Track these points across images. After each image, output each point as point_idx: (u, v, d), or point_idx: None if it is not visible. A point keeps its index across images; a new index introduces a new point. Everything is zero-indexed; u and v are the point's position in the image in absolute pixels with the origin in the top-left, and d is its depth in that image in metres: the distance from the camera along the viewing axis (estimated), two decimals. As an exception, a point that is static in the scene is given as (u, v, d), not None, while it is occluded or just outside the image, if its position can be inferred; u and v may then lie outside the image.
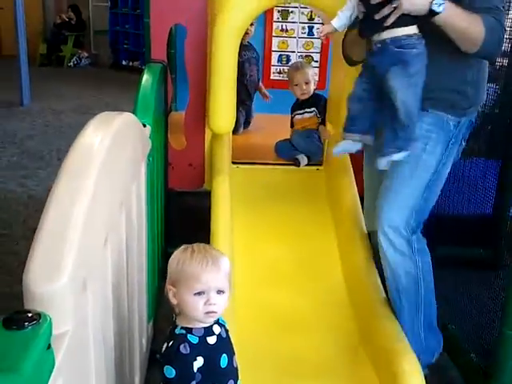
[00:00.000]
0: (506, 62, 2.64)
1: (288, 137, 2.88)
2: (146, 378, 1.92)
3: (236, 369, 1.36)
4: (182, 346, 1.25)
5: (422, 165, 1.82)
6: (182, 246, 1.32)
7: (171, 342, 1.27)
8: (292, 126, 2.93)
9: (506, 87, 2.68)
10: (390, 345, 1.78)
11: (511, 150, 2.58)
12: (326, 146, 2.75)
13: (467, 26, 1.65)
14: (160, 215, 2.38)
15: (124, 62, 9.79)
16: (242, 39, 3.21)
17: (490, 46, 1.70)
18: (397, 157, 1.75)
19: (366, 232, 2.24)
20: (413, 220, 1.83)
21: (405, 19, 1.64)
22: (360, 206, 2.36)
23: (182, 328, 1.29)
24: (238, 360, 1.41)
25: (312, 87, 2.79)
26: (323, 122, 2.80)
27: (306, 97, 2.79)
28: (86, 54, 10.37)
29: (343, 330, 2.00)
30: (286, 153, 2.83)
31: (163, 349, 1.28)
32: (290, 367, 1.81)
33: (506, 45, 2.65)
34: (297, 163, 2.76)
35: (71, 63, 10.16)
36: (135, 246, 1.62)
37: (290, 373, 1.79)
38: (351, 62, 2.00)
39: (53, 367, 0.77)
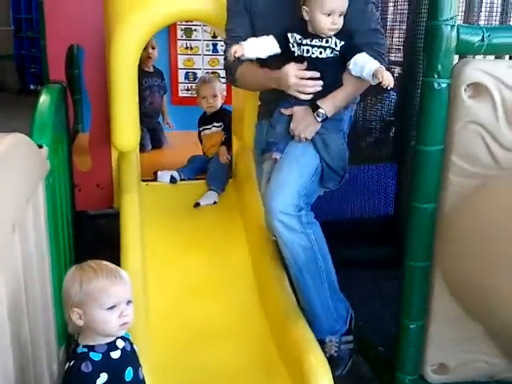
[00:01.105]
0: (399, 70, 2.81)
1: (199, 153, 2.92)
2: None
3: (142, 380, 1.37)
4: (83, 365, 1.25)
5: (310, 153, 1.96)
6: (74, 267, 1.31)
7: (72, 362, 1.26)
8: (201, 141, 2.96)
9: (400, 95, 2.85)
10: (299, 342, 1.84)
11: (405, 153, 2.74)
12: (234, 158, 2.80)
13: (354, 94, 1.98)
14: (67, 238, 2.33)
15: (32, 87, 9.45)
16: (145, 65, 3.26)
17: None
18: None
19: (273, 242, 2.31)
20: (301, 202, 1.92)
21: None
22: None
23: (83, 346, 1.28)
24: (151, 372, 1.43)
25: (219, 101, 2.84)
26: (227, 141, 2.81)
27: (212, 110, 2.84)
28: (-10, 80, 9.93)
29: (256, 334, 2.05)
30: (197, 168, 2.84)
31: (65, 368, 1.28)
32: (206, 376, 1.83)
33: (398, 55, 2.84)
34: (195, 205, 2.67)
35: (-25, 90, 9.69)
36: (35, 269, 1.58)
37: (203, 382, 1.80)
38: (237, 86, 2.15)
39: None
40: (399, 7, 2.75)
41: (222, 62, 3.72)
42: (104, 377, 1.26)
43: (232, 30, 2.03)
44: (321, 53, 1.85)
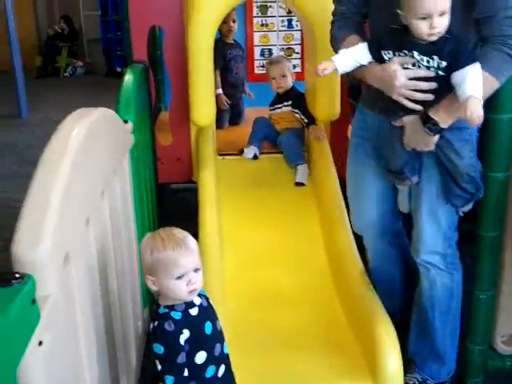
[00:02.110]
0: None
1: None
2: (145, 359, 2.06)
3: (220, 332, 1.46)
4: (166, 324, 1.34)
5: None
6: (148, 235, 1.39)
7: (156, 322, 1.36)
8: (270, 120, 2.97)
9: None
10: (370, 316, 1.86)
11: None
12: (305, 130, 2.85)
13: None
14: (151, 207, 2.52)
15: (118, 69, 9.89)
16: (227, 37, 3.35)
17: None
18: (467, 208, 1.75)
19: (346, 217, 2.35)
20: (453, 235, 1.82)
21: None
22: (341, 192, 2.48)
23: (164, 307, 1.37)
24: (228, 333, 1.51)
25: (289, 81, 2.82)
26: (312, 123, 2.79)
27: (282, 90, 2.84)
28: (80, 63, 10.51)
29: (326, 303, 2.11)
30: (262, 130, 2.90)
31: (150, 328, 1.37)
32: (274, 335, 1.93)
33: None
34: (298, 184, 2.70)
35: (67, 73, 10.31)
36: (123, 232, 1.75)
37: (275, 343, 1.90)
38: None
39: (38, 320, 0.90)
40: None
41: (297, 37, 3.83)
42: (186, 333, 1.35)
43: (338, 9, 1.84)
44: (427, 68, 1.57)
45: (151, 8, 2.62)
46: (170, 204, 3.42)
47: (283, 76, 2.79)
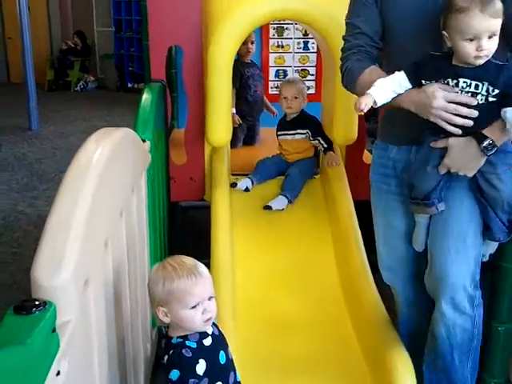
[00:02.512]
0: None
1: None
2: (152, 382, 2.02)
3: (232, 360, 1.44)
4: (184, 350, 1.31)
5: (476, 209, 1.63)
6: (157, 265, 1.35)
7: (171, 351, 1.32)
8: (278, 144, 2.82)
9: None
10: (384, 344, 1.84)
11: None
12: (321, 155, 2.83)
13: None
14: (163, 226, 2.49)
15: (130, 85, 10.01)
16: (245, 57, 3.34)
17: None
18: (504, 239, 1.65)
19: (361, 240, 2.32)
20: (477, 273, 1.68)
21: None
22: (355, 215, 2.45)
23: (177, 337, 1.34)
24: (239, 360, 1.48)
25: (300, 103, 2.70)
26: (329, 149, 2.70)
27: (291, 111, 2.71)
28: (92, 78, 10.61)
29: (338, 329, 2.08)
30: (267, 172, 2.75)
31: (165, 360, 1.33)
32: (286, 363, 1.90)
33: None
34: (266, 208, 2.59)
35: (78, 88, 10.40)
36: (137, 252, 1.72)
37: (285, 368, 1.88)
38: (355, 93, 1.75)
39: (58, 348, 0.87)
40: None
41: (312, 59, 3.84)
42: (203, 363, 1.32)
43: (353, 25, 1.71)
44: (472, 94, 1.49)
45: (170, 28, 2.62)
46: (180, 220, 3.40)
47: (295, 97, 2.69)
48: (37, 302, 0.87)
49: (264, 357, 1.92)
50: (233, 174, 2.83)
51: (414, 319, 1.95)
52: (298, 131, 2.74)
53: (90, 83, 10.51)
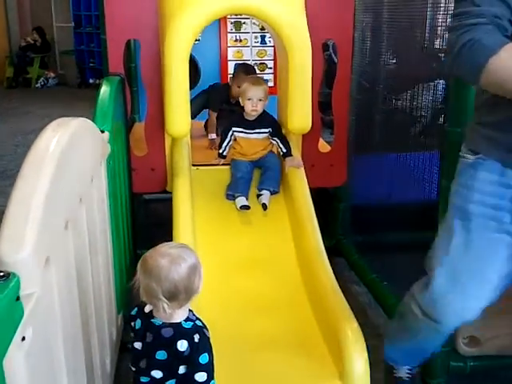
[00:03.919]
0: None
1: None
2: (118, 367, 2.09)
3: None
4: (206, 332, 1.42)
5: None
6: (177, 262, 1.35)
7: (197, 335, 1.37)
8: (230, 141, 2.77)
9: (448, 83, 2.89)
10: (337, 317, 1.96)
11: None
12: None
13: None
14: (125, 215, 2.56)
15: (91, 81, 9.93)
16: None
17: None
18: None
19: (316, 223, 2.44)
20: None
21: None
22: (310, 199, 2.57)
23: (186, 321, 1.39)
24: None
25: (263, 106, 2.68)
26: (288, 154, 2.70)
27: (254, 113, 2.68)
28: (52, 75, 10.49)
29: (297, 305, 2.20)
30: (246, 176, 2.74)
31: (186, 348, 1.35)
32: (248, 341, 2.00)
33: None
34: (264, 207, 2.62)
35: (38, 84, 10.27)
36: (98, 238, 1.79)
37: (247, 346, 1.98)
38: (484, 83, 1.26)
39: (22, 315, 0.95)
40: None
41: (270, 53, 3.94)
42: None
43: (466, 14, 1.26)
44: None
45: (127, 22, 2.68)
46: (142, 212, 3.47)
47: (260, 100, 2.65)
48: (1, 273, 0.94)
49: (225, 335, 2.00)
50: (193, 165, 2.91)
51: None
52: (262, 130, 2.74)
53: (50, 80, 10.39)
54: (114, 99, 2.32)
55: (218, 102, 3.34)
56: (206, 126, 3.45)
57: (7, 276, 0.94)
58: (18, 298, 0.94)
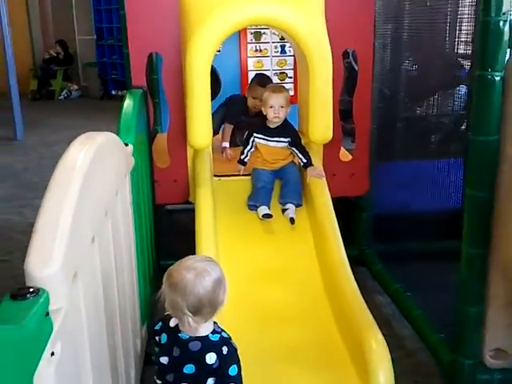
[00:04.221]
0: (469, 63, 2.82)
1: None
2: (142, 378, 2.11)
3: None
4: (234, 344, 1.44)
5: None
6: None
7: (225, 347, 1.39)
8: (251, 147, 2.81)
9: (470, 90, 2.87)
10: (361, 328, 1.95)
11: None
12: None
13: None
14: (149, 227, 2.58)
15: (113, 92, 10.06)
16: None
17: None
18: None
19: (339, 235, 2.43)
20: None
21: None
22: (332, 208, 2.56)
23: (213, 334, 1.42)
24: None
25: (285, 114, 2.71)
26: (309, 164, 2.71)
27: (279, 120, 2.71)
28: (75, 87, 10.65)
29: (320, 316, 2.19)
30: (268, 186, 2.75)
31: (216, 359, 1.38)
32: (271, 351, 2.00)
33: (468, 47, 2.86)
34: (292, 221, 2.63)
35: (62, 96, 10.44)
36: (123, 251, 1.81)
37: (270, 356, 1.98)
38: None
39: (51, 330, 0.97)
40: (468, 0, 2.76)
41: (290, 62, 3.95)
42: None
43: None
44: None
45: (149, 35, 2.72)
46: (165, 223, 3.50)
47: (281, 107, 2.68)
48: (31, 289, 0.96)
49: (248, 346, 1.99)
50: (215, 176, 2.93)
51: None
52: (281, 139, 2.75)
53: (73, 92, 10.55)
54: (137, 112, 2.35)
55: (234, 115, 3.32)
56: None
57: (37, 292, 0.96)
58: (47, 314, 0.96)
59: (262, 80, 3.29)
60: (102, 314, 1.43)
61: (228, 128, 3.32)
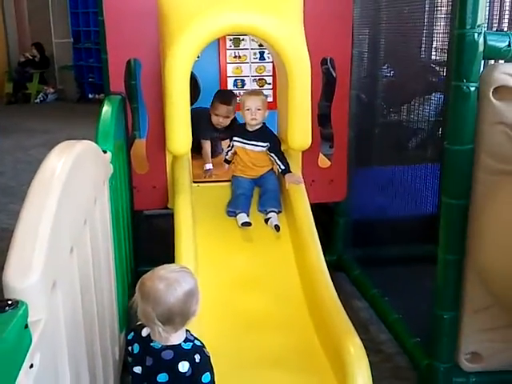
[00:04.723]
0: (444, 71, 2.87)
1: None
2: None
3: None
4: (206, 352, 1.44)
5: None
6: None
7: (197, 355, 1.40)
8: (231, 148, 2.84)
9: (446, 96, 2.92)
10: (339, 333, 1.97)
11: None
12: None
13: None
14: (127, 234, 2.57)
15: (90, 95, 9.98)
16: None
17: None
18: None
19: (317, 240, 2.45)
20: None
21: None
22: (311, 214, 2.58)
23: (185, 342, 1.41)
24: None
25: (263, 115, 2.73)
26: (287, 170, 2.71)
27: (255, 123, 2.73)
28: (52, 90, 10.52)
29: (299, 323, 2.20)
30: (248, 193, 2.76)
31: (188, 368, 1.38)
32: (251, 358, 2.00)
33: (443, 55, 2.91)
34: (277, 228, 2.62)
35: (38, 100, 10.30)
36: (102, 259, 1.80)
37: (250, 363, 1.98)
38: None
39: (30, 342, 0.96)
40: (443, 9, 2.82)
41: (269, 68, 3.97)
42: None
43: None
44: None
45: (128, 41, 2.71)
46: (144, 228, 3.48)
47: (258, 109, 2.70)
48: (9, 302, 0.95)
49: (227, 352, 2.01)
50: (194, 182, 2.93)
51: None
52: (259, 143, 2.77)
53: (49, 95, 10.42)
54: (115, 119, 2.34)
55: (204, 130, 3.11)
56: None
57: (15, 304, 0.95)
58: (26, 326, 0.95)
59: (224, 97, 3.14)
60: (80, 323, 1.42)
61: (206, 145, 3.15)
